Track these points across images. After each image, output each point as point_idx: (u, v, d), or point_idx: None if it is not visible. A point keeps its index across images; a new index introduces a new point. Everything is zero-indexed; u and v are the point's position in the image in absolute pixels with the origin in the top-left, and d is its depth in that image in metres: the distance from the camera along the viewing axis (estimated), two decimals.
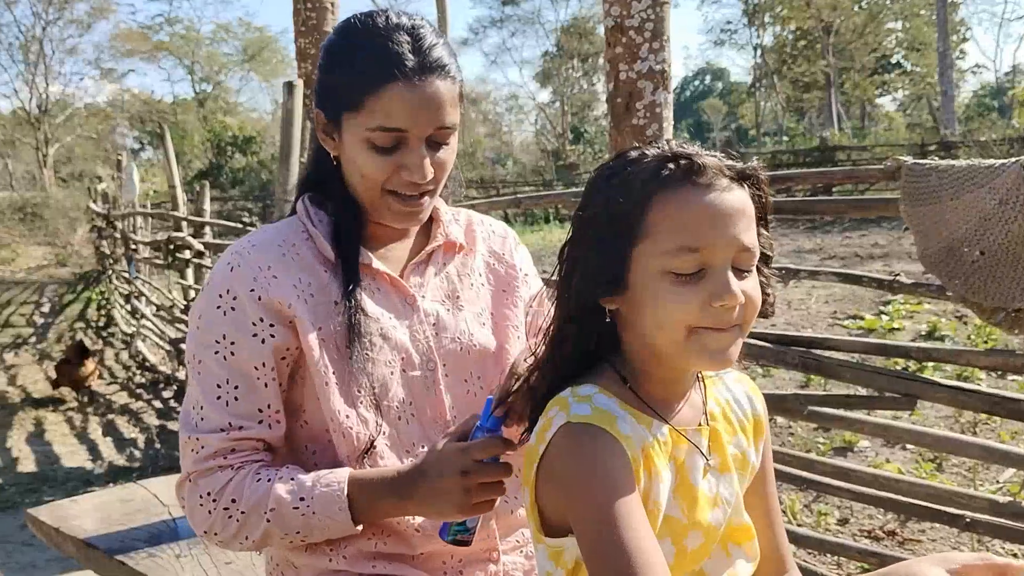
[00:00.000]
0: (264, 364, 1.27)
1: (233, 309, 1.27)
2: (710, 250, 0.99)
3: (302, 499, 1.23)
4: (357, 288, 1.30)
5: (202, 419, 1.26)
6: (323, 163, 1.36)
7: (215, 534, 1.26)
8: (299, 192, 1.42)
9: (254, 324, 1.26)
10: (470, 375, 1.38)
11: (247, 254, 1.30)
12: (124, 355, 8.86)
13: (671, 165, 1.01)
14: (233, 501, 1.23)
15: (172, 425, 6.24)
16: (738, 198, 1.02)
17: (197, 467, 1.25)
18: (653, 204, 1.01)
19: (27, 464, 5.50)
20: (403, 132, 1.24)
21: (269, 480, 1.24)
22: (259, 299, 1.26)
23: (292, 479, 1.24)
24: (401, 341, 1.32)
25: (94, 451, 5.73)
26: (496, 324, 1.42)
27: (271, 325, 1.27)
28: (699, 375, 1.14)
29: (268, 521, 1.23)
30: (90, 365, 7.13)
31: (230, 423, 1.25)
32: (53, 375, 7.25)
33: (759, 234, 1.06)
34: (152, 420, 6.42)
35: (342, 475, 1.24)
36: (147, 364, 8.25)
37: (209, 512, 1.25)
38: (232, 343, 1.26)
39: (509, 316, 1.44)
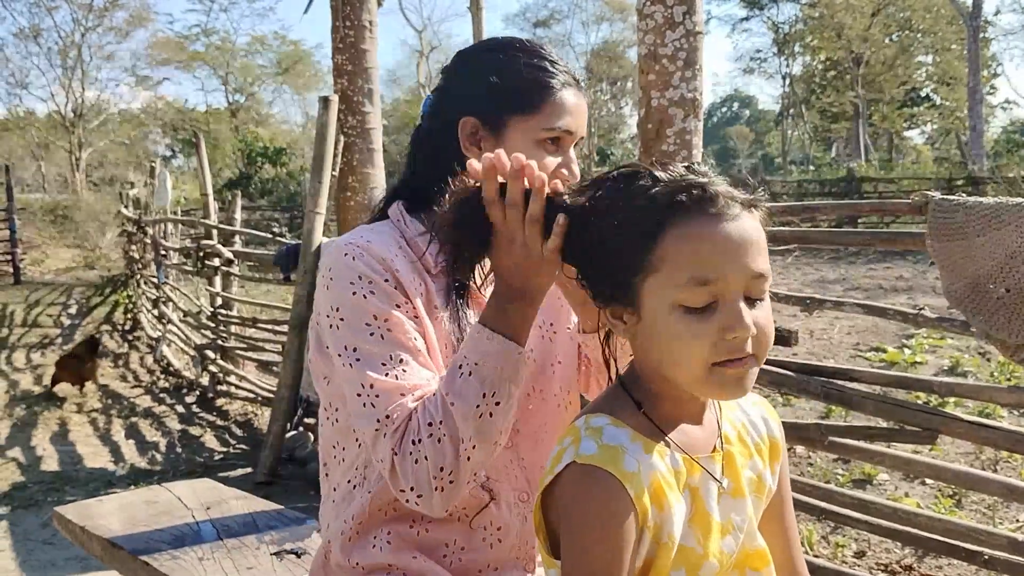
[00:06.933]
0: (416, 338, 1.25)
1: (373, 293, 1.25)
2: (722, 282, 0.97)
3: (466, 357, 1.18)
4: (462, 298, 1.32)
5: (377, 396, 1.20)
6: (427, 173, 1.34)
7: (446, 474, 1.16)
8: (392, 197, 1.41)
9: (398, 306, 1.25)
10: (532, 389, 1.38)
11: (366, 244, 1.28)
12: (149, 359, 8.96)
13: (683, 196, 0.99)
14: (429, 424, 1.17)
15: (194, 430, 6.30)
16: (750, 225, 1.00)
17: (394, 441, 1.18)
18: (665, 236, 0.98)
19: (50, 463, 5.56)
20: (571, 134, 1.35)
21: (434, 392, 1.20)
22: (395, 287, 1.26)
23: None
24: None
25: (116, 453, 5.78)
26: (556, 334, 1.43)
27: (412, 313, 1.27)
28: None
29: (464, 393, 1.16)
30: (97, 363, 7.19)
31: (406, 390, 1.21)
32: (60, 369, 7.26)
33: None
34: (174, 424, 6.47)
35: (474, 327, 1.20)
36: (171, 369, 8.33)
37: (425, 458, 1.16)
38: (385, 320, 1.24)
39: (569, 330, 1.45)
